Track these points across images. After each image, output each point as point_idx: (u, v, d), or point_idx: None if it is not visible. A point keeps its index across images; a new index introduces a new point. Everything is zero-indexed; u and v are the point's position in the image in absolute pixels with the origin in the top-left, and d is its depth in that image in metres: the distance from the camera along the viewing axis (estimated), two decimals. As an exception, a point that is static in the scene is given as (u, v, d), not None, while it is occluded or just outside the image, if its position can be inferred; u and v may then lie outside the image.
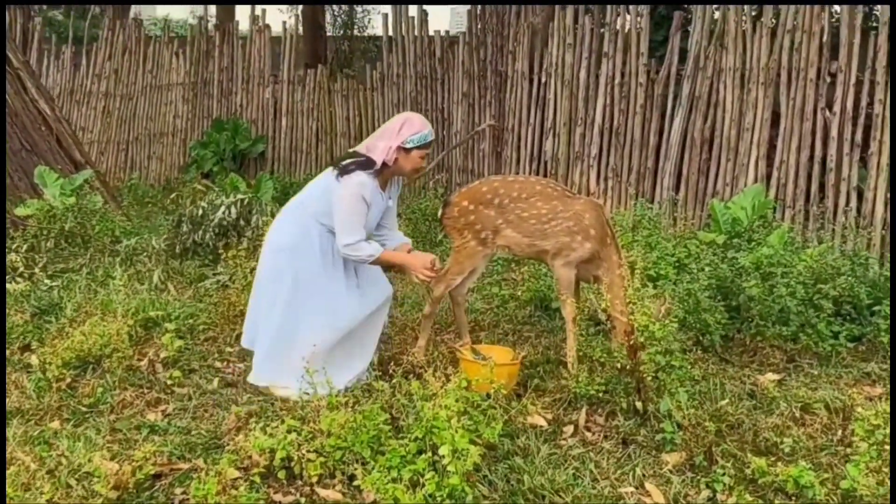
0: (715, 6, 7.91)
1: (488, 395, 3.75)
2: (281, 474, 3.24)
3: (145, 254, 6.55)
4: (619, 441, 3.61)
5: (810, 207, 7.02)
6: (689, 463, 3.43)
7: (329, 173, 4.22)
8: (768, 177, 7.21)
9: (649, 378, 3.63)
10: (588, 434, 3.67)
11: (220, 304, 5.35)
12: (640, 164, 7.90)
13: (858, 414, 3.77)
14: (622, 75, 8.00)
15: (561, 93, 8.32)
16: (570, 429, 3.72)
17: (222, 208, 6.54)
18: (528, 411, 3.80)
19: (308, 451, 3.26)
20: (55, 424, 3.73)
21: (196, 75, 11.64)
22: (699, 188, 7.60)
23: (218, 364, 4.61)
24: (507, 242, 4.47)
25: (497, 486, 3.20)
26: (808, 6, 6.89)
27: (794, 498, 3.15)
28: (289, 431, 3.35)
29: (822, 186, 6.97)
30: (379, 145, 4.12)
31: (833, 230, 6.76)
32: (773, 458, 3.45)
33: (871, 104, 6.70)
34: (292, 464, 3.24)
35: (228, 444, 3.49)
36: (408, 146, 4.10)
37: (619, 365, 3.72)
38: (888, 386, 4.46)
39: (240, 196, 6.66)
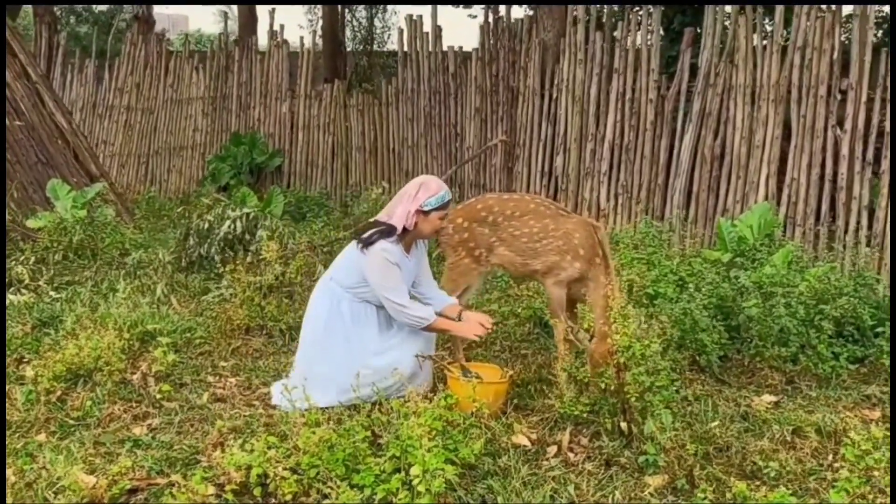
0: (726, 21, 7.85)
1: (473, 414, 3.73)
2: (256, 491, 3.22)
3: (151, 267, 6.61)
4: (602, 462, 3.56)
5: (820, 226, 6.93)
6: (671, 486, 3.37)
7: (353, 246, 4.29)
8: (779, 194, 7.13)
9: (634, 399, 3.58)
10: (570, 455, 3.62)
11: (217, 318, 5.39)
12: (651, 180, 7.86)
13: (848, 439, 3.71)
14: (633, 91, 7.97)
15: (572, 108, 8.30)
16: (553, 449, 3.67)
17: (227, 222, 6.59)
18: (512, 430, 3.76)
19: (284, 469, 3.25)
20: (41, 437, 3.76)
21: (216, 90, 11.77)
22: (709, 205, 7.53)
23: (210, 378, 4.62)
24: (500, 261, 4.45)
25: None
26: (818, 23, 6.81)
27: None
28: (268, 448, 3.34)
29: (832, 204, 6.88)
30: (397, 211, 4.16)
31: (843, 250, 6.66)
32: (757, 483, 3.38)
33: (882, 121, 6.61)
34: (268, 481, 3.23)
35: (205, 460, 3.49)
36: (426, 209, 4.13)
37: (603, 386, 3.67)
38: (887, 409, 4.36)
39: (245, 210, 6.71)
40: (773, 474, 3.44)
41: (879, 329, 4.96)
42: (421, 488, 2.93)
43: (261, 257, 5.62)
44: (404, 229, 4.15)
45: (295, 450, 3.35)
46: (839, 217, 6.82)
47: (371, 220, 4.38)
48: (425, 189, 4.15)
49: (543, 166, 8.60)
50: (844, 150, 6.75)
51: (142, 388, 4.36)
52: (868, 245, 6.63)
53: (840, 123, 6.80)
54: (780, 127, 7.12)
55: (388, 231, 4.15)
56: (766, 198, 7.13)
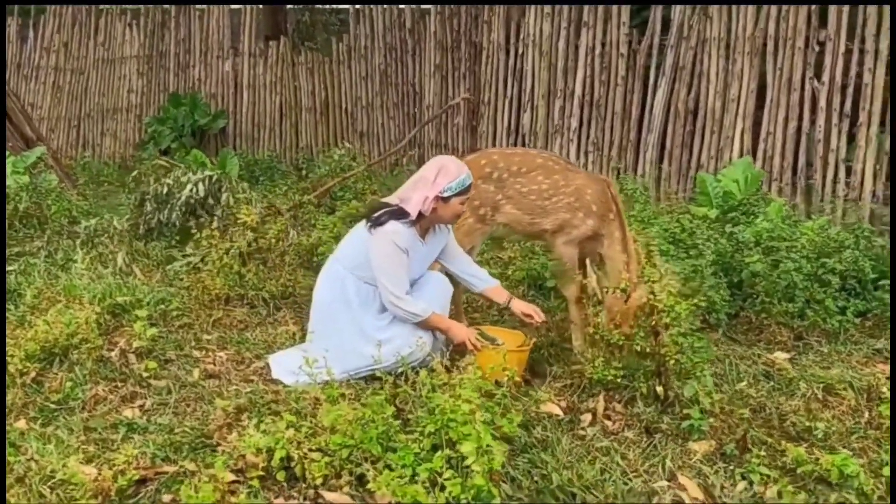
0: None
1: (498, 384, 3.49)
2: (280, 476, 2.91)
3: (106, 235, 6.12)
4: (642, 430, 3.36)
5: (797, 180, 6.87)
6: (720, 452, 3.20)
7: (362, 226, 3.99)
8: (754, 149, 7.04)
9: (673, 361, 3.38)
10: (608, 423, 3.41)
11: (192, 287, 5.00)
12: (623, 136, 7.68)
13: (884, 395, 3.61)
14: (603, 45, 7.75)
15: (539, 64, 8.04)
16: (587, 417, 3.45)
17: (189, 186, 6.13)
18: (540, 399, 3.53)
19: (310, 450, 2.96)
20: (21, 424, 3.35)
21: (151, 48, 11.12)
22: (683, 161, 7.40)
23: (196, 353, 4.25)
24: (506, 220, 4.19)
25: (521, 484, 2.93)
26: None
27: (836, 488, 2.94)
28: (286, 427, 3.03)
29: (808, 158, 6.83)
30: (414, 197, 3.83)
31: (822, 204, 6.62)
32: (805, 445, 3.24)
33: (860, 73, 6.54)
34: (293, 464, 2.93)
35: (219, 444, 3.17)
36: (446, 195, 3.82)
37: (638, 348, 3.46)
38: (902, 362, 4.29)
39: (207, 173, 6.26)
40: (820, 435, 3.30)
41: (881, 282, 4.89)
42: (477, 467, 2.67)
43: (240, 220, 5.21)
44: (420, 214, 3.85)
45: (320, 429, 3.05)
46: (816, 171, 6.76)
47: (381, 200, 4.07)
48: (444, 173, 3.82)
49: (510, 124, 8.33)
50: (822, 103, 6.67)
51: (123, 366, 3.97)
52: (846, 198, 6.60)
53: (817, 76, 6.71)
54: (755, 80, 7.01)
55: (399, 213, 3.85)
56: (742, 153, 7.03)
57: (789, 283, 4.70)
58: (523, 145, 8.22)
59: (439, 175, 3.83)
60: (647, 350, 3.46)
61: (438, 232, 4.05)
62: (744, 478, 3.02)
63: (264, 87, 10.59)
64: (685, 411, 3.36)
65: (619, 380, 3.52)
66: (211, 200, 6.23)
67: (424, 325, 3.87)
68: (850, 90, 6.57)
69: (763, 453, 3.08)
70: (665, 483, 2.96)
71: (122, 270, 5.45)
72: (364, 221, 3.97)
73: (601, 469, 3.05)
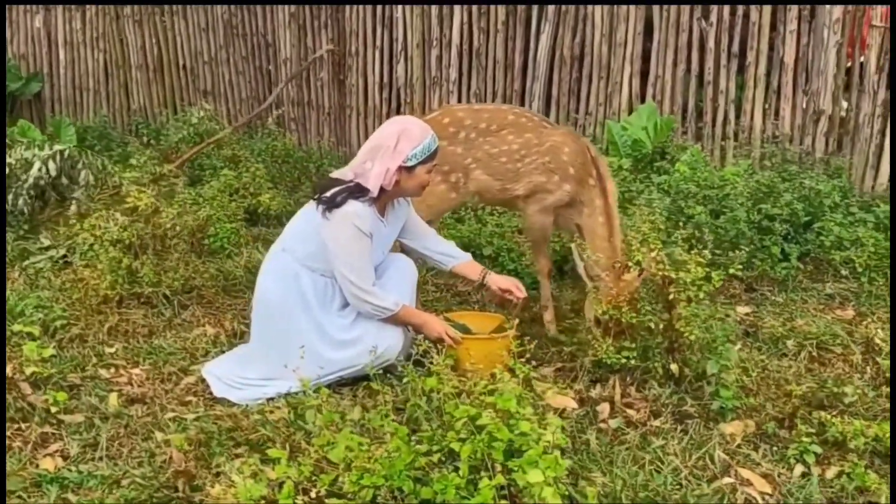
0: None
1: (493, 378, 3.04)
2: (289, 532, 2.35)
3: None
4: (669, 415, 3.04)
5: (688, 124, 6.78)
6: (759, 433, 2.93)
7: (311, 208, 3.36)
8: (643, 94, 6.87)
9: (692, 336, 3.06)
10: (631, 412, 3.05)
11: (72, 288, 4.16)
12: (506, 86, 7.29)
13: (877, 346, 3.48)
14: (479, -11, 7.28)
15: (411, 10, 7.46)
16: (605, 408, 3.08)
17: (38, 165, 5.15)
18: (547, 391, 3.11)
19: (320, 496, 2.39)
20: None
21: (-63, 2, 9.47)
22: (570, 109, 7.13)
23: (104, 373, 3.50)
24: (477, 187, 3.71)
25: (576, 502, 2.50)
26: None
27: (896, 461, 2.74)
28: (286, 467, 2.45)
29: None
30: (372, 170, 3.24)
31: (712, 146, 6.56)
32: (834, 412, 3.03)
33: (747, 13, 6.48)
34: (303, 515, 2.36)
35: (191, 497, 2.52)
36: (410, 164, 3.25)
37: (651, 325, 3.11)
38: (859, 307, 4.24)
39: (58, 148, 5.28)
40: (847, 401, 3.10)
41: (814, 224, 4.83)
42: (553, 499, 2.21)
43: (127, 204, 4.37)
44: (381, 189, 3.26)
45: (326, 464, 2.49)
46: (706, 113, 6.70)
47: (331, 175, 3.43)
48: (406, 138, 3.25)
49: (382, 77, 7.72)
50: (710, 44, 6.58)
51: (19, 400, 3.15)
52: (735, 139, 6.58)
53: (705, 16, 6.60)
54: (641, 22, 6.81)
55: (357, 190, 3.25)
56: (631, 98, 6.84)
57: (737, 232, 4.53)
58: (398, 98, 7.67)
59: (400, 141, 3.27)
60: (661, 326, 3.13)
61: (398, 207, 3.50)
62: (797, 460, 2.76)
63: (84, 44, 9.32)
64: (709, 389, 3.06)
65: (632, 361, 3.16)
66: (65, 180, 5.29)
67: (394, 319, 3.33)
68: (738, 29, 6.50)
69: (812, 429, 2.83)
70: (730, 480, 2.65)
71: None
72: (314, 203, 3.35)
73: (650, 471, 2.68)
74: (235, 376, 3.35)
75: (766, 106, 6.50)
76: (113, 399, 3.24)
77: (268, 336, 3.35)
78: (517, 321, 3.45)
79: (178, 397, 3.30)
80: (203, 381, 3.41)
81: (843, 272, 4.55)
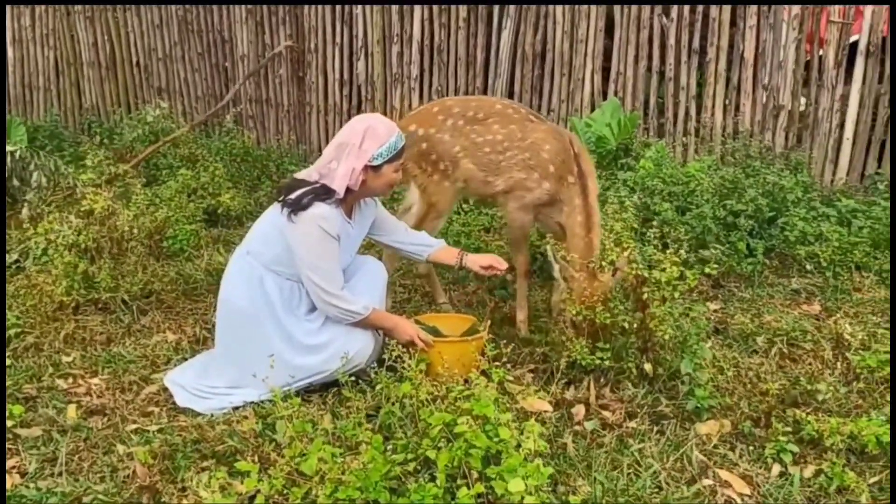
0: None
1: (467, 382, 2.99)
2: (260, 549, 2.27)
3: None
4: (645, 416, 3.00)
5: (650, 121, 6.79)
6: (735, 432, 2.91)
7: (275, 211, 3.24)
8: (605, 90, 6.87)
9: (664, 335, 3.03)
10: (607, 414, 3.01)
11: (26, 295, 4.01)
12: (468, 83, 7.23)
13: (846, 342, 3.49)
14: (440, -15, 7.21)
15: (371, 7, 7.35)
16: (580, 410, 3.04)
17: (-14, 166, 4.96)
18: (520, 393, 3.05)
19: (296, 509, 2.31)
20: None
21: None
22: (533, 106, 7.09)
23: (61, 383, 3.36)
24: (464, 177, 3.66)
25: (556, 508, 2.46)
26: None
27: (873, 460, 2.73)
28: (256, 480, 2.36)
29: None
30: (337, 170, 3.15)
31: (674, 142, 6.58)
32: (807, 410, 3.02)
33: (707, 8, 6.51)
34: (276, 531, 2.28)
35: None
36: (376, 163, 3.16)
37: (625, 325, 3.07)
38: (825, 302, 4.27)
39: (10, 148, 5.09)
40: (821, 398, 3.09)
41: (780, 220, 4.85)
42: (536, 506, 2.16)
43: (83, 207, 4.22)
44: (347, 189, 3.18)
45: (298, 476, 2.40)
46: (668, 109, 6.71)
47: (294, 177, 3.33)
48: (372, 137, 3.17)
49: (342, 74, 7.61)
50: (671, 41, 6.59)
51: (-28, 416, 3.02)
52: (697, 135, 6.61)
53: (666, 13, 6.61)
54: (603, 19, 6.80)
55: (324, 191, 3.16)
56: (593, 94, 6.84)
57: (704, 228, 4.53)
58: (359, 95, 7.57)
59: (366, 139, 3.19)
60: (635, 326, 3.09)
61: (365, 207, 3.42)
62: (774, 459, 2.75)
63: (34, 42, 9.06)
64: (683, 389, 3.04)
65: (606, 362, 3.12)
66: (16, 182, 5.11)
67: (364, 323, 3.25)
68: (698, 25, 6.52)
69: (788, 428, 2.82)
70: (709, 482, 2.62)
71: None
72: (278, 205, 3.24)
73: (630, 475, 2.65)
74: (201, 385, 3.24)
75: (727, 102, 6.53)
76: (71, 411, 3.12)
77: (233, 342, 3.25)
78: (489, 322, 3.38)
79: (140, 408, 3.18)
80: (165, 390, 3.29)
81: (808, 267, 4.56)
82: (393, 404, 2.70)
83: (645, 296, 3.02)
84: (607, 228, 3.39)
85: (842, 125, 6.11)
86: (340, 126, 7.66)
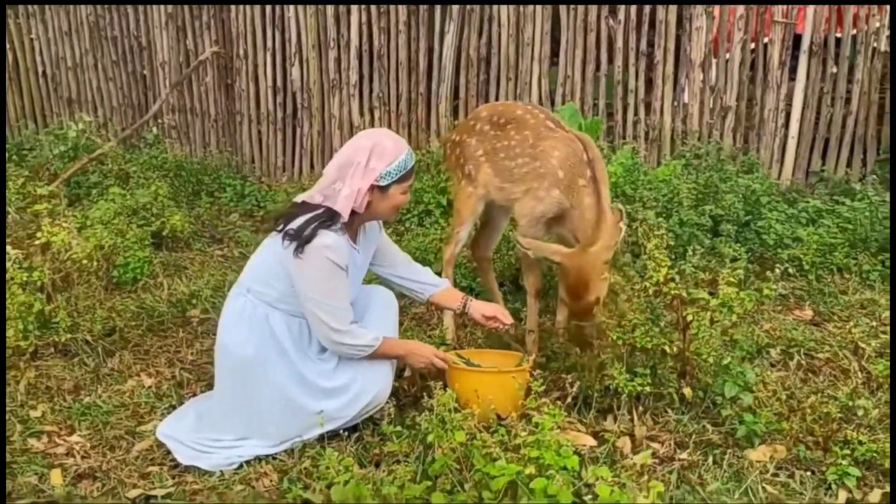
0: None
1: (500, 418, 2.78)
2: None
3: None
4: (695, 446, 2.85)
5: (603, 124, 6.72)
6: (792, 458, 2.78)
7: (275, 242, 2.92)
8: (552, 94, 6.75)
9: (709, 358, 2.88)
10: (656, 445, 2.84)
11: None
12: (411, 89, 6.98)
13: (863, 350, 3.45)
14: (378, -13, 6.93)
15: (304, 10, 7.01)
16: (625, 442, 2.86)
17: None
18: (558, 427, 2.83)
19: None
20: None
21: None
22: (479, 111, 6.91)
23: (35, 443, 2.97)
24: (484, 182, 3.51)
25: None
26: None
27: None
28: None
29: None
30: (341, 191, 2.86)
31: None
32: (850, 427, 2.93)
33: (654, 10, 6.47)
34: None
35: None
36: (384, 183, 2.89)
37: (666, 349, 2.91)
38: (816, 306, 4.24)
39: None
40: (862, 413, 3.01)
41: (759, 223, 4.81)
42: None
43: (39, 241, 3.76)
44: (352, 213, 2.90)
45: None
46: (617, 112, 6.65)
47: (295, 200, 3.01)
48: (379, 155, 2.89)
49: (276, 80, 7.21)
50: (619, 43, 6.53)
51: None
52: (646, 139, 6.58)
53: (613, 14, 6.55)
54: (549, 21, 6.68)
55: (328, 217, 2.87)
56: (540, 99, 6.71)
57: (689, 235, 4.45)
58: (294, 103, 7.21)
59: (372, 157, 2.91)
60: (675, 350, 2.94)
61: (370, 230, 3.15)
62: (837, 485, 2.64)
63: (-78, 50, 8.28)
64: (725, 413, 2.90)
65: (646, 388, 2.95)
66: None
67: (375, 356, 2.98)
68: (646, 27, 6.48)
69: (846, 451, 2.71)
70: (788, 518, 2.48)
71: None
72: (278, 236, 2.92)
73: (702, 513, 2.49)
74: (201, 438, 2.90)
75: (675, 104, 6.52)
76: (56, 476, 2.74)
77: (239, 391, 2.91)
78: (533, 357, 3.17)
79: (137, 469, 2.82)
80: (160, 446, 2.94)
81: (791, 270, 4.54)
82: (448, 453, 2.44)
83: (689, 317, 2.86)
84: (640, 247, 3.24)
85: (787, 125, 6.20)
86: (274, 135, 7.40)
